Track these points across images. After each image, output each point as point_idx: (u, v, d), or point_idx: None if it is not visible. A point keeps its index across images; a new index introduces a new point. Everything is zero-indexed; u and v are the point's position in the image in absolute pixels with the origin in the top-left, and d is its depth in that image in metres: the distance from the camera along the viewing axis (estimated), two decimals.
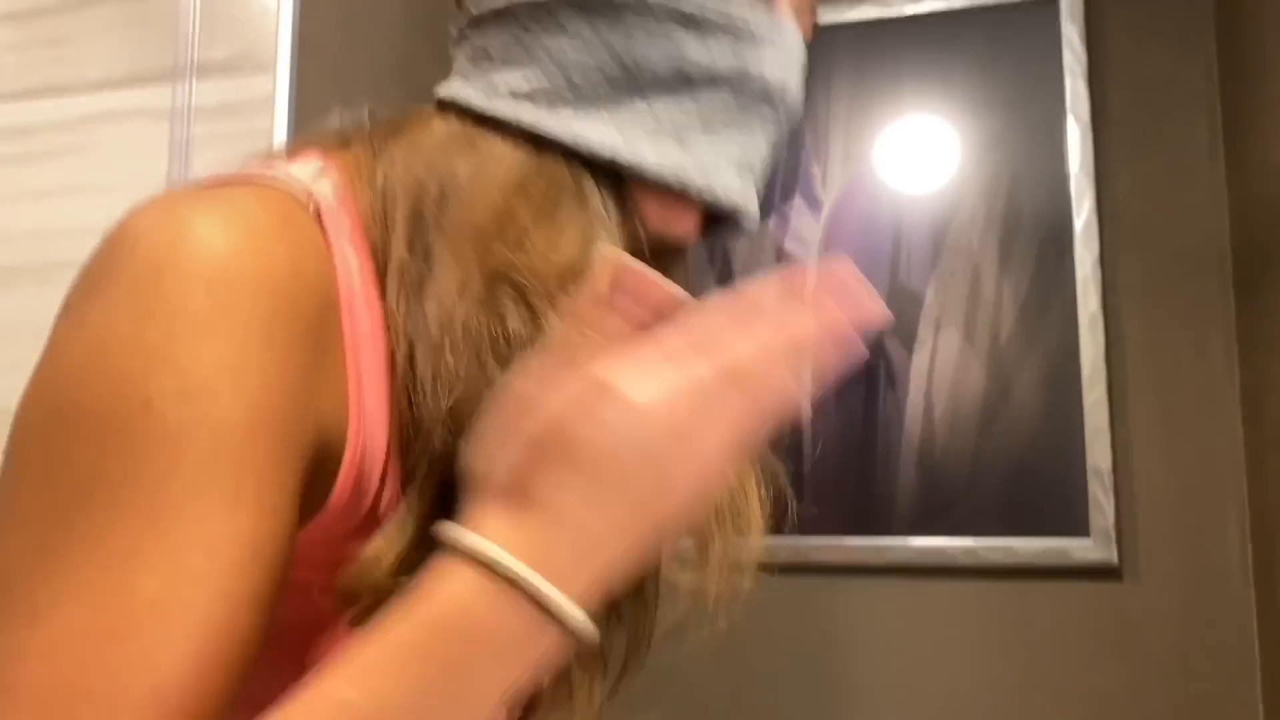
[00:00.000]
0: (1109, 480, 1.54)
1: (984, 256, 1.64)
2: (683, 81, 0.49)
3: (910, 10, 1.71)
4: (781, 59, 0.51)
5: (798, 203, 1.73)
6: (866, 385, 1.66)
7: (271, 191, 0.45)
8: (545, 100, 0.50)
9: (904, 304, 1.66)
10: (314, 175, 0.48)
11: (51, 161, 1.12)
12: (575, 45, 0.50)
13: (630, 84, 0.49)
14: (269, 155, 0.54)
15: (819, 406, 1.67)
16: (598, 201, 0.50)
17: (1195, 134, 1.60)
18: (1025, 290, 1.62)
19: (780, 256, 1.72)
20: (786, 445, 1.67)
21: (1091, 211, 1.59)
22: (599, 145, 0.49)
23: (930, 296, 1.65)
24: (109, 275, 0.41)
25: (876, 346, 1.66)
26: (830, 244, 1.71)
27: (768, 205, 1.74)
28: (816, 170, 1.73)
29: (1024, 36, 1.66)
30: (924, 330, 1.65)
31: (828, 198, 1.72)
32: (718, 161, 0.50)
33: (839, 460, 1.66)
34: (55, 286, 1.11)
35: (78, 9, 1.13)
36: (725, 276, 1.73)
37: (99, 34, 1.12)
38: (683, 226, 0.53)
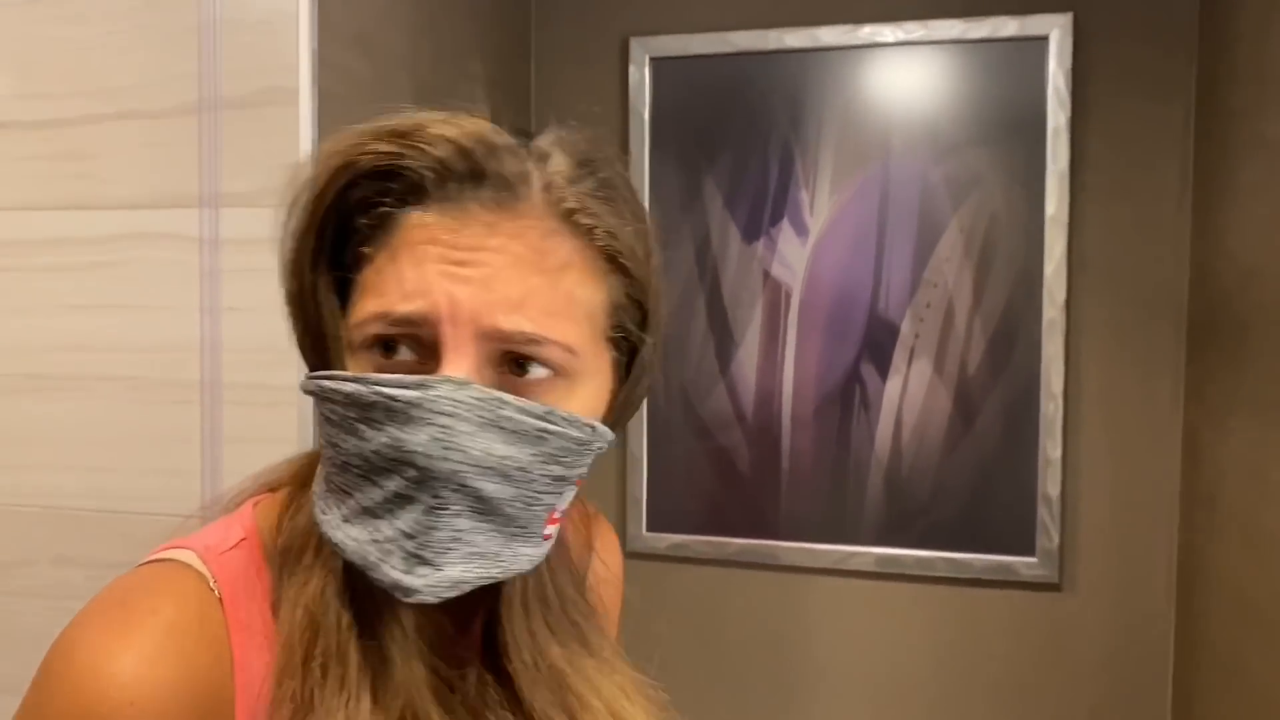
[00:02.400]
0: (1057, 507, 1.70)
1: (959, 293, 1.74)
2: (371, 468, 0.52)
3: (903, 37, 1.73)
4: (428, 431, 0.50)
5: (786, 228, 1.80)
6: (842, 407, 1.79)
7: (185, 593, 0.54)
8: (321, 494, 0.56)
9: (881, 333, 1.77)
10: (232, 546, 0.57)
11: (86, 275, 1.16)
12: (324, 447, 0.55)
13: (346, 475, 0.53)
14: (229, 502, 0.64)
15: (797, 424, 1.80)
16: None
17: (1167, 185, 1.67)
18: (995, 327, 1.73)
19: (767, 280, 1.81)
20: (767, 458, 1.82)
21: (1062, 257, 1.68)
22: (324, 527, 0.54)
23: (906, 328, 1.76)
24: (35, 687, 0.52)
25: (853, 372, 1.78)
26: (814, 270, 1.79)
27: (755, 227, 1.81)
28: (805, 197, 1.79)
29: (1011, 74, 1.70)
30: (898, 359, 1.77)
31: (814, 225, 1.79)
32: (391, 544, 0.51)
33: (813, 474, 1.81)
34: (99, 399, 1.21)
35: (96, 122, 1.16)
36: (714, 297, 1.82)
37: (121, 151, 1.14)
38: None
